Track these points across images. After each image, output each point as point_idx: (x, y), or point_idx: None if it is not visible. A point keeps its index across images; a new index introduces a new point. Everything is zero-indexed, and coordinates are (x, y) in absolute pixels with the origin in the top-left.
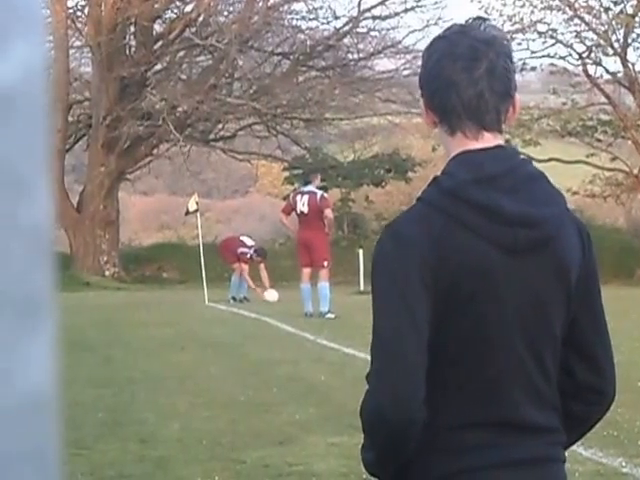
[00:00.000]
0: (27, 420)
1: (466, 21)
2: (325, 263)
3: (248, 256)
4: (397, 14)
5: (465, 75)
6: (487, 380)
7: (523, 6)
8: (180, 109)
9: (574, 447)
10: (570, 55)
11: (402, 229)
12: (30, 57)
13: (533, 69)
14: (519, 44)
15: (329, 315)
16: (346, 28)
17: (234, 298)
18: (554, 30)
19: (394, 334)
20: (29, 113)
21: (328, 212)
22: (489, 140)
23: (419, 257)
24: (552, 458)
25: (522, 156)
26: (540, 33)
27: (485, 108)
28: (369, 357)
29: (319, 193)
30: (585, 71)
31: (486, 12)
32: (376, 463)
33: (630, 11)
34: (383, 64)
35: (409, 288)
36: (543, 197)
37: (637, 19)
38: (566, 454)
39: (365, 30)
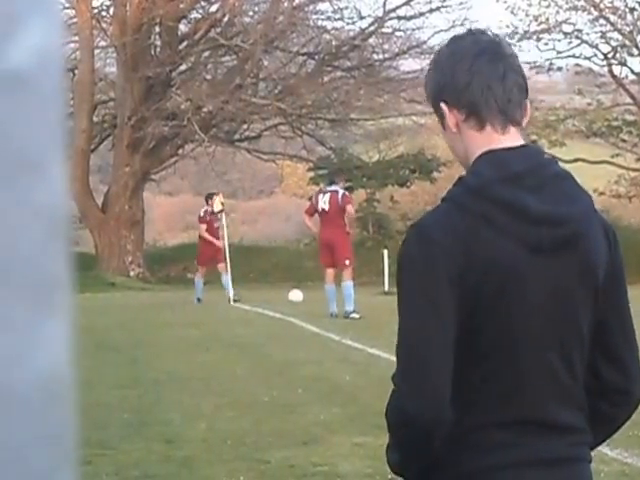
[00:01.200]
0: (43, 402)
1: (466, 30)
2: (347, 262)
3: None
4: (422, 14)
5: (493, 68)
6: (514, 378)
7: (549, 6)
8: (205, 109)
9: (600, 447)
10: (595, 55)
11: (427, 229)
12: (45, 40)
13: (559, 69)
14: (545, 44)
15: (354, 315)
16: (371, 28)
17: (234, 299)
18: (579, 30)
19: (420, 335)
20: (44, 96)
21: (349, 208)
22: (515, 135)
23: (445, 257)
24: (578, 458)
25: (547, 155)
26: (566, 33)
27: (514, 101)
28: (394, 357)
29: (341, 191)
30: (610, 71)
31: (512, 12)
32: (401, 464)
33: None
34: (408, 64)
35: (435, 288)
36: (569, 196)
37: None
38: (592, 454)
39: (390, 30)
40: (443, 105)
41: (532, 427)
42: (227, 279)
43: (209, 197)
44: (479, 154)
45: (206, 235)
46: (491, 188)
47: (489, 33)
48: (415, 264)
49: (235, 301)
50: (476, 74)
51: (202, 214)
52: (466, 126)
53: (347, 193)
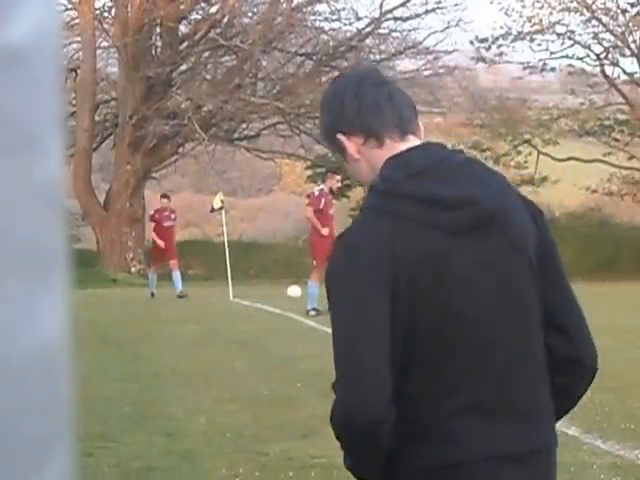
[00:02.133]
0: (39, 374)
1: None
2: (314, 262)
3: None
4: (418, 15)
5: (378, 90)
6: (466, 362)
7: (542, 8)
8: (205, 109)
9: (592, 440)
10: (588, 56)
11: (351, 239)
12: (42, 17)
13: (552, 70)
14: (539, 45)
15: (311, 312)
16: (368, 29)
17: (179, 295)
18: (572, 31)
19: (350, 341)
20: (41, 72)
21: (306, 209)
22: (414, 140)
23: (372, 263)
24: (549, 446)
25: (450, 148)
26: (559, 34)
27: (405, 117)
28: None
29: (316, 191)
30: (603, 72)
31: (506, 13)
32: (357, 467)
33: None
34: (404, 65)
35: (365, 295)
36: (478, 179)
37: None
38: (584, 447)
39: (387, 31)
40: (340, 136)
41: (494, 414)
42: (177, 275)
43: (164, 196)
44: (384, 161)
45: (152, 234)
46: (400, 186)
47: (365, 65)
48: (342, 275)
49: (180, 297)
50: (363, 98)
51: (152, 212)
52: (366, 148)
53: (314, 193)
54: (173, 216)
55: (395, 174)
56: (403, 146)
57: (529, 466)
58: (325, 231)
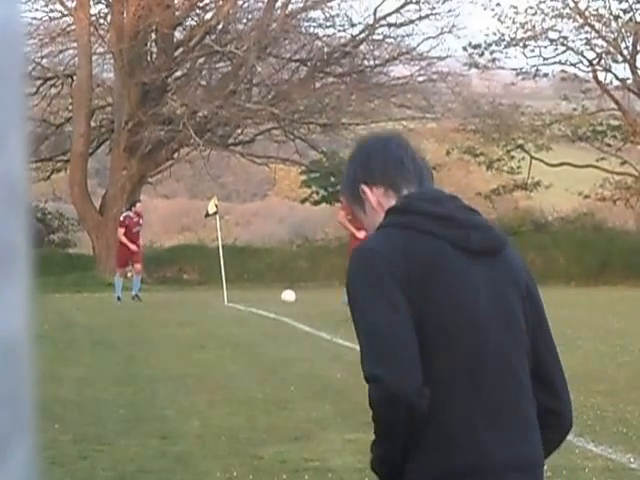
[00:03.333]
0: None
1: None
2: None
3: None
4: (412, 21)
5: (402, 151)
6: (469, 370)
7: (535, 14)
8: (200, 114)
9: (584, 444)
10: (581, 62)
11: (368, 247)
12: (6, 15)
13: (545, 75)
14: (531, 51)
15: None
16: (362, 35)
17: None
18: (565, 37)
19: (387, 327)
20: (4, 70)
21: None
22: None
23: (388, 265)
24: (540, 460)
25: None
26: (551, 40)
27: (424, 173)
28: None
29: None
30: (595, 77)
31: (499, 20)
32: (387, 454)
33: (639, 19)
34: (398, 70)
35: (388, 290)
36: (482, 219)
37: None
38: (576, 450)
39: (381, 37)
40: (364, 186)
41: (497, 424)
42: (137, 279)
43: (132, 205)
44: (392, 205)
45: (123, 238)
46: (418, 204)
47: (391, 130)
48: (364, 277)
49: (134, 298)
50: (389, 154)
51: (122, 219)
52: (385, 199)
53: None
54: (141, 221)
55: (412, 197)
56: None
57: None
58: (362, 234)
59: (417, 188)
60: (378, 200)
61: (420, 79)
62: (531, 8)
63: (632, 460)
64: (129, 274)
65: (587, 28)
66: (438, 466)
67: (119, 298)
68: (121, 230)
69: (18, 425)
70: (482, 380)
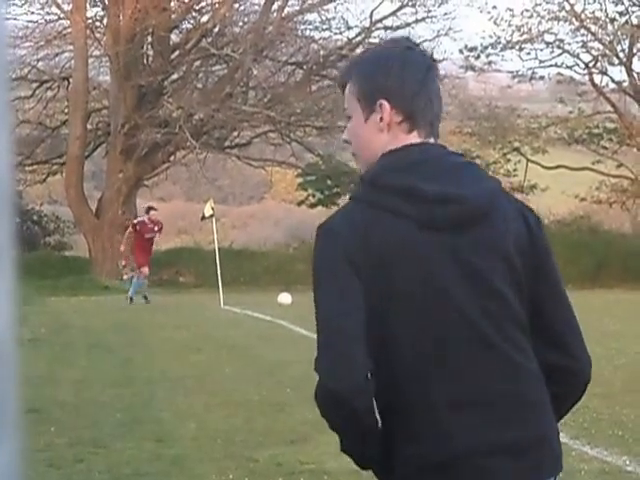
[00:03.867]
0: None
1: (402, 38)
2: None
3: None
4: (408, 24)
5: (435, 86)
6: (444, 354)
7: (531, 17)
8: (196, 117)
9: (580, 446)
10: (577, 65)
11: (328, 225)
12: None
13: (541, 78)
14: (528, 54)
15: None
16: (358, 38)
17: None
18: (561, 40)
19: (330, 314)
20: None
21: None
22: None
23: (345, 247)
24: (547, 437)
25: (451, 150)
26: (548, 43)
27: (438, 117)
28: None
29: None
30: (591, 80)
31: (495, 23)
32: (348, 446)
33: (635, 22)
34: None
35: (340, 276)
36: (468, 180)
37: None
38: (572, 453)
39: (377, 40)
40: (385, 102)
41: (480, 407)
42: (139, 282)
43: (147, 211)
44: (383, 152)
45: (124, 238)
46: (382, 176)
47: (423, 53)
48: (322, 257)
49: (131, 300)
50: (424, 87)
51: (135, 222)
52: (397, 128)
53: None
54: (156, 228)
55: (383, 166)
56: (415, 141)
57: (527, 455)
58: None
59: (426, 133)
60: (390, 123)
61: None
62: (527, 11)
63: (628, 462)
64: (125, 276)
65: (583, 31)
66: (413, 457)
67: (132, 299)
68: (128, 230)
69: (2, 425)
70: (454, 361)
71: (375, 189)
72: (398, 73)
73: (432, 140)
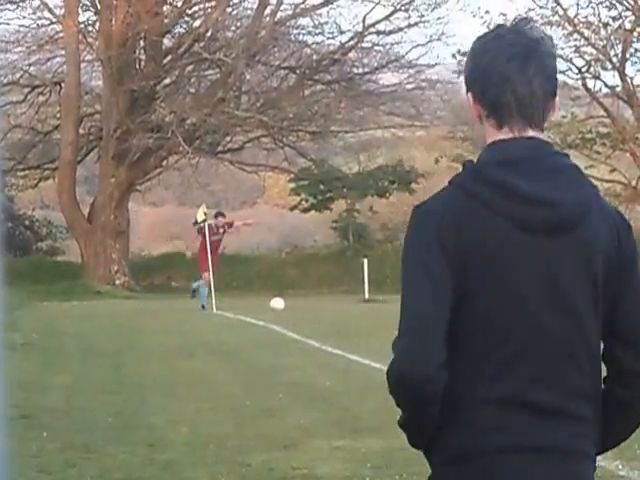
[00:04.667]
0: None
1: (513, 21)
2: None
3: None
4: (401, 29)
5: (519, 73)
6: (503, 354)
7: None
8: (189, 122)
9: None
10: (570, 69)
11: (425, 208)
12: None
13: None
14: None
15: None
16: (351, 43)
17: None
18: (554, 45)
19: (415, 297)
20: None
21: None
22: (529, 133)
23: (438, 231)
24: (573, 450)
25: (556, 149)
26: None
27: (535, 106)
28: (373, 364)
29: None
30: (584, 85)
31: (488, 27)
32: (406, 425)
33: (628, 26)
34: (387, 78)
35: (430, 258)
36: (567, 185)
37: (635, 34)
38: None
39: (370, 45)
40: (470, 96)
41: (517, 408)
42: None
43: (218, 214)
44: (488, 143)
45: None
46: (486, 170)
47: (530, 31)
48: (413, 239)
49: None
50: (505, 79)
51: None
52: (487, 121)
53: None
54: (202, 225)
55: (488, 158)
56: (517, 136)
57: (549, 461)
58: None
59: (520, 125)
60: (480, 115)
61: (409, 87)
62: (520, 16)
63: (620, 467)
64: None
65: (576, 36)
66: (446, 447)
67: (203, 307)
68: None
69: None
70: (518, 364)
71: (475, 181)
72: (478, 63)
73: (532, 133)
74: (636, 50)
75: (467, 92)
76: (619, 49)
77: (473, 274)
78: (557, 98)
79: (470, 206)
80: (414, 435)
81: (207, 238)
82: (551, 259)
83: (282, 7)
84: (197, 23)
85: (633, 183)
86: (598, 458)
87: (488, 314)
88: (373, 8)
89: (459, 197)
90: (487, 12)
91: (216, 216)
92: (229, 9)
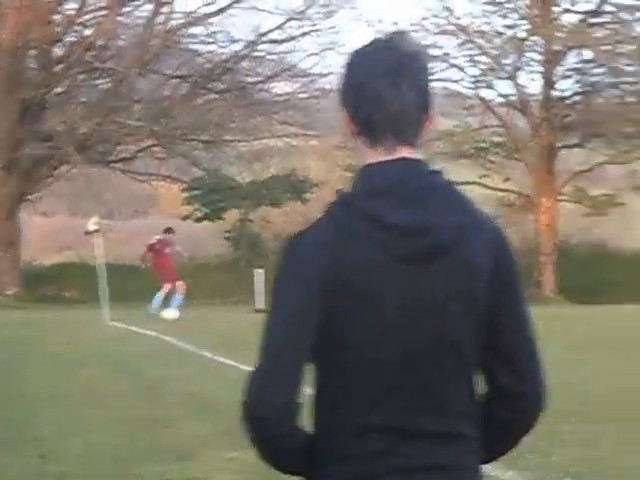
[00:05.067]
0: None
1: (387, 35)
2: None
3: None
4: (293, 38)
5: (391, 90)
6: (381, 385)
7: (417, 31)
8: (80, 131)
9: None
10: (463, 79)
11: (296, 241)
12: None
13: None
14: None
15: None
16: (244, 52)
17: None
18: (447, 54)
19: (271, 336)
20: None
21: None
22: (406, 153)
23: (308, 267)
24: (458, 466)
25: (428, 168)
26: (434, 57)
27: (408, 123)
28: None
29: None
30: (478, 94)
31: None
32: (262, 458)
33: (522, 35)
34: (280, 87)
35: (295, 294)
36: (442, 207)
37: (529, 43)
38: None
39: (263, 54)
40: (344, 113)
41: (402, 434)
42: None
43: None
44: (360, 168)
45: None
46: (356, 202)
47: (405, 45)
48: (281, 272)
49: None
50: (377, 96)
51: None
52: (359, 139)
53: None
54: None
55: (358, 186)
56: (388, 157)
57: (435, 478)
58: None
59: (393, 144)
60: (353, 133)
61: (302, 96)
62: (413, 24)
63: (513, 476)
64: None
65: (470, 45)
66: (329, 476)
67: (151, 315)
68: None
69: None
70: (395, 393)
71: (346, 213)
72: (351, 79)
73: (406, 151)
74: (529, 59)
75: (342, 109)
76: (513, 58)
77: (346, 307)
78: (432, 112)
79: (341, 238)
80: (278, 466)
81: (167, 250)
82: (427, 285)
83: (174, 15)
84: (88, 32)
85: (526, 192)
86: (491, 468)
87: (364, 345)
88: (267, 17)
89: (330, 230)
90: (380, 21)
91: (166, 231)
92: (120, 18)
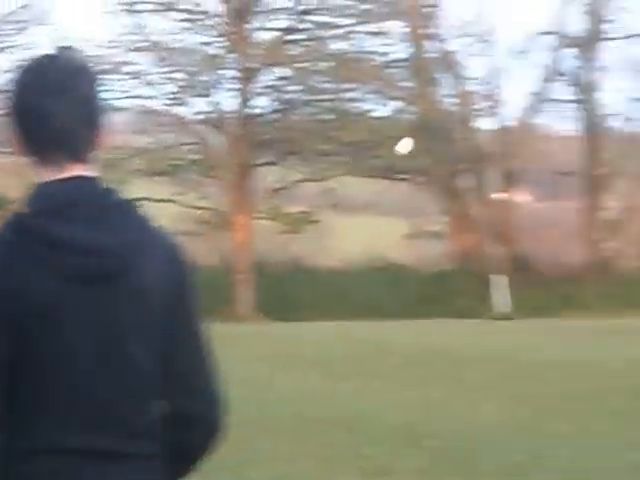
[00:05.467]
0: None
1: (54, 51)
2: None
3: None
4: None
5: (56, 107)
6: (61, 406)
7: (113, 47)
8: None
9: None
10: (158, 96)
11: None
12: None
13: (121, 110)
14: (107, 85)
15: None
16: None
17: None
18: (142, 71)
19: None
20: None
21: None
22: (79, 170)
23: None
24: None
25: (104, 187)
26: (129, 74)
27: (75, 139)
28: None
29: None
30: (174, 111)
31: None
32: None
33: (218, 52)
34: None
35: None
36: (116, 227)
37: (225, 60)
38: None
39: None
40: (14, 132)
41: (80, 455)
42: None
43: None
44: (34, 187)
45: None
46: (28, 221)
47: (69, 62)
48: None
49: None
50: (44, 115)
51: None
52: (31, 159)
53: None
54: None
55: (32, 206)
56: (62, 174)
57: None
58: None
59: (62, 160)
60: (21, 152)
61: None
62: (109, 42)
63: None
64: None
65: (167, 62)
66: None
67: None
68: None
69: None
70: (71, 414)
71: (17, 233)
72: (17, 98)
73: (79, 169)
74: (227, 77)
75: (12, 128)
76: (209, 76)
77: (25, 330)
78: (102, 127)
79: (14, 261)
80: None
81: None
82: (104, 307)
83: None
84: None
85: (223, 209)
86: None
87: (43, 367)
88: None
89: (7, 252)
90: (66, 38)
91: None
92: None
